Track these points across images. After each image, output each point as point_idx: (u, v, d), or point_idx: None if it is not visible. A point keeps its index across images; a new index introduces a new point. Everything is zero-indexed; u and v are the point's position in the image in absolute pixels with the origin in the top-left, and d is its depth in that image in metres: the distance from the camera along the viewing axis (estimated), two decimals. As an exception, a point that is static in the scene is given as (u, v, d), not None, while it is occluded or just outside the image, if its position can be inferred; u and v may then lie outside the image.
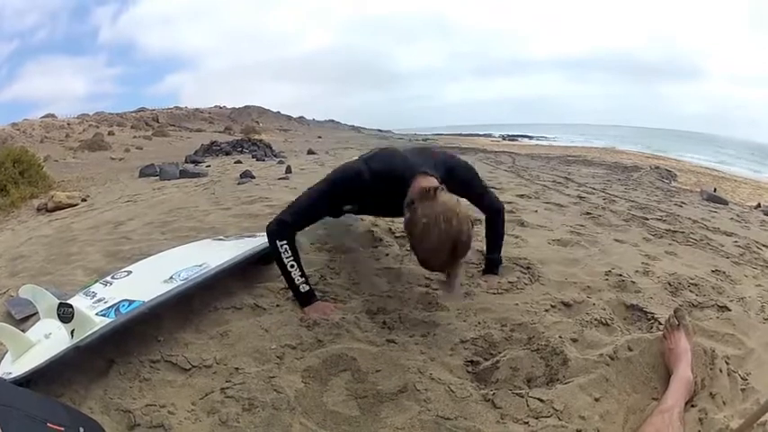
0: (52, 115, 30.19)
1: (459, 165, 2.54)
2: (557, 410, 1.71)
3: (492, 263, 2.78)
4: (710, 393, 1.83)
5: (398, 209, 2.14)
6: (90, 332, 1.82)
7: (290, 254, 2.32)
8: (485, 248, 2.80)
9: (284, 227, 2.36)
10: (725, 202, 7.97)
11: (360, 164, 2.42)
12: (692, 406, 1.77)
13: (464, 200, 2.24)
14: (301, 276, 2.34)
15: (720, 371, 1.92)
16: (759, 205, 9.14)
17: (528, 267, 2.87)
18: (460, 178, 2.46)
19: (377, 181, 2.30)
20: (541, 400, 1.74)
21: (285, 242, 2.32)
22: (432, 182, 2.13)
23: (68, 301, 1.89)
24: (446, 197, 2.04)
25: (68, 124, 27.09)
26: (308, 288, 2.35)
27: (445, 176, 2.28)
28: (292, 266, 2.32)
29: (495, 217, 2.72)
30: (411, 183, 2.15)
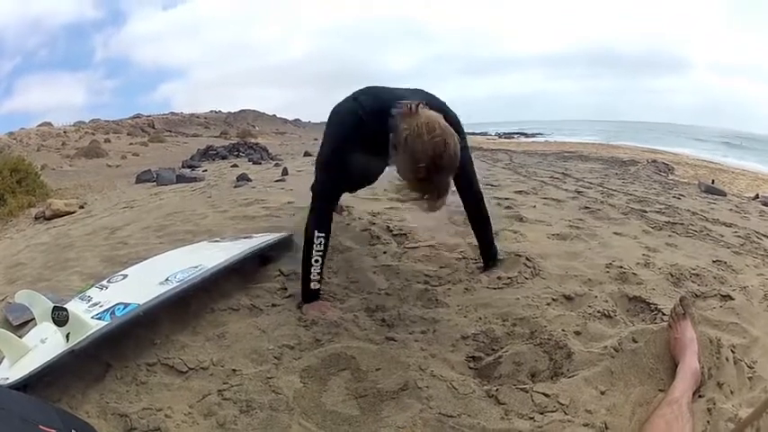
0: (48, 124, 30.15)
1: (450, 111, 2.36)
2: (562, 405, 1.68)
3: (490, 257, 2.75)
4: (718, 383, 1.81)
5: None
6: (85, 335, 1.80)
7: (321, 249, 2.30)
8: (478, 245, 2.78)
9: (323, 213, 2.35)
10: (723, 194, 7.95)
11: (351, 104, 2.34)
12: (700, 396, 1.75)
13: None
14: (318, 274, 2.32)
15: (726, 360, 1.90)
16: (757, 196, 9.11)
17: (528, 260, 2.83)
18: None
19: (369, 117, 2.21)
20: (546, 395, 1.72)
21: (324, 234, 2.30)
22: (413, 102, 2.04)
23: (63, 305, 1.86)
24: (429, 112, 1.99)
25: (64, 132, 27.05)
26: (317, 287, 2.33)
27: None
28: (317, 261, 2.30)
29: (477, 206, 2.65)
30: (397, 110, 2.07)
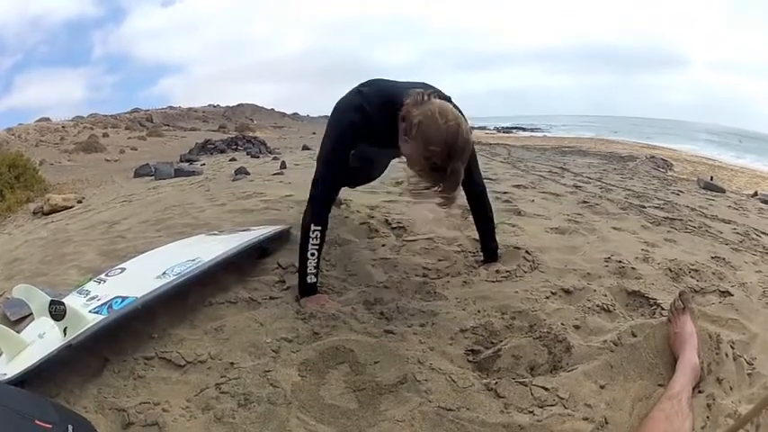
0: (47, 119, 30.11)
1: (451, 103, 2.33)
2: (562, 399, 1.68)
3: (490, 252, 2.73)
4: (717, 378, 1.80)
5: (396, 137, 2.07)
6: (83, 329, 1.79)
7: (318, 241, 2.28)
8: (479, 238, 2.77)
9: (320, 206, 2.32)
10: (722, 191, 7.96)
11: (355, 97, 2.31)
12: (700, 391, 1.75)
13: None
14: (315, 267, 2.30)
15: (726, 356, 1.89)
16: (756, 193, 9.12)
17: (527, 254, 2.83)
18: None
19: (375, 110, 2.19)
20: (546, 389, 1.71)
21: (320, 228, 2.28)
22: (424, 91, 2.03)
23: (61, 300, 1.86)
24: (440, 100, 1.98)
25: (63, 127, 27.02)
26: (314, 280, 2.31)
27: None
28: (313, 255, 2.28)
29: (480, 198, 2.62)
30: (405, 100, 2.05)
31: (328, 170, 2.35)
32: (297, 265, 2.35)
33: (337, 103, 2.41)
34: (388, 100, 2.14)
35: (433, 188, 1.99)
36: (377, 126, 2.19)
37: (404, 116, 2.01)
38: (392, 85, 2.28)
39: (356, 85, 2.41)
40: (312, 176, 2.40)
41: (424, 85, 2.35)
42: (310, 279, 2.30)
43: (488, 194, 2.65)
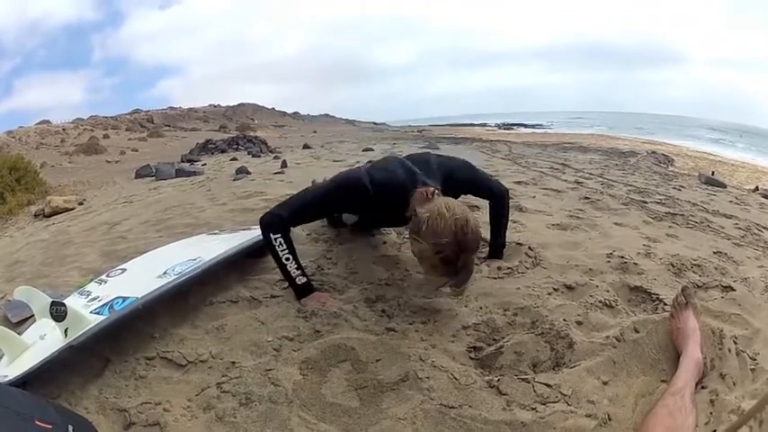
0: (47, 121, 30.13)
1: (458, 165, 2.51)
2: (564, 395, 1.67)
3: (496, 248, 2.73)
4: (720, 374, 1.79)
5: (400, 218, 2.15)
6: (84, 330, 1.79)
7: (284, 246, 2.27)
8: (489, 234, 2.75)
9: (278, 221, 2.31)
10: (723, 186, 7.96)
11: (362, 174, 2.34)
12: (703, 387, 1.73)
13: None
14: (297, 269, 2.29)
15: (729, 351, 1.88)
16: (757, 188, 9.12)
17: (530, 250, 2.82)
18: (463, 178, 2.44)
19: (379, 192, 2.25)
20: (548, 385, 1.70)
21: (279, 235, 2.27)
22: (429, 189, 2.11)
23: (62, 301, 1.86)
24: (445, 198, 2.04)
25: (63, 129, 27.05)
26: (304, 280, 2.30)
27: (446, 179, 2.30)
28: (288, 259, 2.27)
29: (499, 201, 2.66)
30: (412, 193, 2.14)
31: (302, 209, 2.37)
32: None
33: (347, 172, 2.50)
34: (397, 186, 2.23)
35: (446, 282, 2.07)
36: (376, 208, 2.32)
37: (410, 216, 2.07)
38: (402, 172, 2.32)
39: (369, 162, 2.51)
40: (297, 192, 2.48)
41: (428, 160, 2.43)
42: (300, 280, 2.29)
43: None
